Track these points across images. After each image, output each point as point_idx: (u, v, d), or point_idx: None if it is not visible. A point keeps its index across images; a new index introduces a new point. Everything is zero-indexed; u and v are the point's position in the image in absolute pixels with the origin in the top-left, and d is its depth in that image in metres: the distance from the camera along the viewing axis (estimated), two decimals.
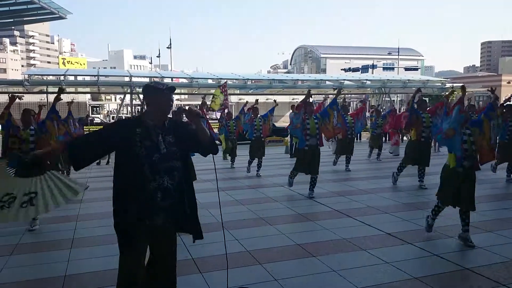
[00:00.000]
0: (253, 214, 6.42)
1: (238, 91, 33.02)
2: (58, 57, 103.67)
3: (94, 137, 2.95)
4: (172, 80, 30.64)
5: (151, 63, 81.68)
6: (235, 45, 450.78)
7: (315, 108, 8.59)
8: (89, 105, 40.29)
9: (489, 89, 7.66)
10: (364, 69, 53.24)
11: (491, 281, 3.87)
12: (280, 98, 38.97)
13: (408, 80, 31.80)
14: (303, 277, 4.06)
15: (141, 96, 31.41)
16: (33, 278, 4.17)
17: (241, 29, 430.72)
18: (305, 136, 7.51)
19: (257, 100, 11.50)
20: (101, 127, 3.15)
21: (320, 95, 51.76)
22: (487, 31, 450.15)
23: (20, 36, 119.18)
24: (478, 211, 6.33)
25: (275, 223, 5.89)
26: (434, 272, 4.12)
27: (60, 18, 23.15)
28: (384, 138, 13.72)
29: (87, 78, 32.45)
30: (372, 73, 49.91)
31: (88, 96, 39.43)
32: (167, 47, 56.12)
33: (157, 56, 65.70)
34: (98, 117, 37.92)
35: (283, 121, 31.68)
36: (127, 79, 27.21)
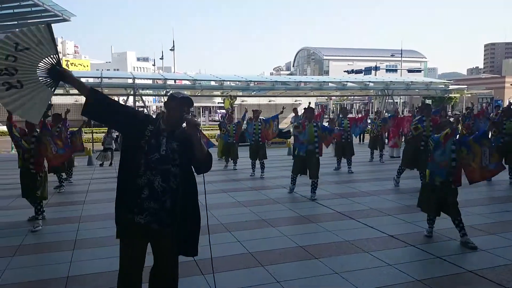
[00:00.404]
0: (255, 216, 6.42)
1: (240, 93, 33.02)
2: (61, 59, 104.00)
3: (119, 104, 3.05)
4: (175, 82, 30.67)
5: (154, 65, 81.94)
6: (238, 47, 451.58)
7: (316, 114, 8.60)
8: None
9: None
10: (367, 71, 53.25)
11: (494, 284, 3.85)
12: (282, 100, 39.03)
13: (411, 82, 31.71)
14: (305, 279, 4.05)
15: (144, 98, 31.55)
16: (35, 279, 4.17)
17: (243, 31, 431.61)
18: (303, 142, 7.61)
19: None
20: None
21: (323, 97, 51.81)
22: (490, 32, 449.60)
23: None
24: (481, 214, 6.33)
25: (277, 225, 5.88)
26: (437, 275, 4.11)
27: (64, 20, 23.21)
28: (385, 140, 13.71)
29: (91, 80, 32.52)
30: (375, 75, 49.85)
31: None
32: (170, 49, 56.34)
33: (160, 58, 65.96)
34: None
35: (285, 123, 31.65)
36: (130, 81, 27.27)
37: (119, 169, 2.89)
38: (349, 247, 4.94)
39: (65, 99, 35.59)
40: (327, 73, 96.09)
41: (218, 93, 30.03)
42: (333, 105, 57.98)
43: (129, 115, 2.90)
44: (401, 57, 61.61)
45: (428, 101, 50.67)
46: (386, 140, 13.77)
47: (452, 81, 40.74)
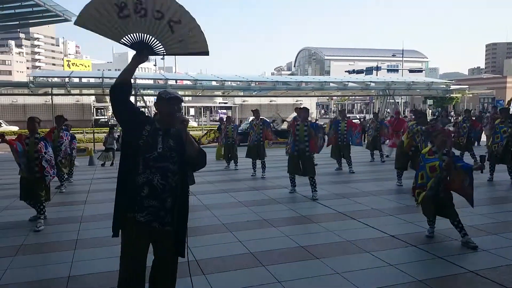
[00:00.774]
0: (256, 216, 6.41)
1: (242, 93, 33.02)
2: (63, 59, 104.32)
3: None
4: (176, 82, 30.71)
5: (155, 65, 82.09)
6: (239, 47, 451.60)
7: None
8: (94, 106, 40.42)
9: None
10: (368, 71, 53.20)
11: (495, 284, 3.84)
12: (284, 100, 39.05)
13: (413, 82, 31.66)
14: (306, 279, 4.05)
15: (146, 98, 31.58)
16: (36, 279, 4.18)
17: (245, 31, 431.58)
18: (294, 141, 7.73)
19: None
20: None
21: (324, 97, 51.77)
22: (492, 32, 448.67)
23: (25, 39, 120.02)
24: (482, 214, 6.32)
25: (278, 225, 5.88)
26: (438, 275, 4.10)
27: (65, 20, 23.19)
28: (382, 140, 13.72)
29: (92, 80, 32.63)
30: (377, 75, 49.78)
31: (93, 98, 39.54)
32: None
33: (161, 58, 66.00)
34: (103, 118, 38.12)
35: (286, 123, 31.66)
36: (131, 81, 27.29)
37: (119, 168, 2.91)
38: (350, 247, 4.93)
39: (67, 99, 35.73)
40: (328, 73, 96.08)
41: (219, 93, 30.09)
42: (334, 105, 57.99)
43: (135, 111, 2.95)
44: (402, 57, 61.59)
45: (430, 101, 50.68)
46: (383, 139, 13.76)
47: (453, 81, 40.63)
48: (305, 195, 7.89)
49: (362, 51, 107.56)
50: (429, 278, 4.00)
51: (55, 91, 27.19)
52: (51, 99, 27.79)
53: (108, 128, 15.10)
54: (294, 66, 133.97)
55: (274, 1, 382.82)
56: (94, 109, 40.47)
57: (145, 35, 2.89)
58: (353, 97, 65.07)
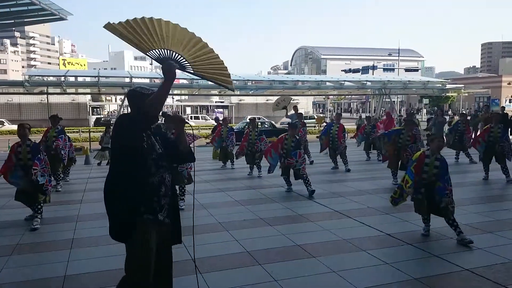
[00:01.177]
0: (252, 215, 6.42)
1: (238, 92, 33.00)
2: (58, 58, 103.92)
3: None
4: None
5: (151, 64, 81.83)
6: (235, 46, 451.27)
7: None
8: (90, 106, 40.29)
9: None
10: (365, 70, 53.31)
11: (490, 282, 3.87)
12: None
13: (409, 81, 31.77)
14: (303, 277, 4.06)
15: None
16: (32, 279, 4.16)
17: (241, 30, 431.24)
18: (281, 156, 8.14)
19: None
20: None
21: (321, 96, 51.79)
22: (487, 32, 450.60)
23: (20, 37, 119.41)
24: (477, 212, 6.35)
25: (274, 224, 5.89)
26: (434, 273, 4.13)
27: (61, 19, 23.10)
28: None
29: (88, 79, 32.48)
30: (373, 74, 49.95)
31: (89, 97, 39.44)
32: None
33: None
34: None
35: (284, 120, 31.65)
36: (127, 80, 27.23)
37: (121, 170, 2.77)
38: (346, 246, 4.95)
39: (62, 98, 35.60)
40: (324, 72, 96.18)
41: (215, 92, 30.05)
42: (331, 104, 57.99)
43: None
44: (399, 56, 61.76)
45: (426, 100, 50.82)
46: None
47: (449, 80, 40.79)
48: (301, 194, 7.90)
49: (359, 50, 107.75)
50: (424, 276, 4.02)
51: (50, 90, 27.10)
52: (47, 98, 27.69)
53: (104, 127, 15.04)
54: (291, 65, 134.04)
55: (270, 1, 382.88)
56: (90, 108, 40.31)
57: (176, 54, 2.82)
58: (350, 96, 65.21)
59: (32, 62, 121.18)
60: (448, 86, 33.92)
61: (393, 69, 64.14)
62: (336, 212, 6.55)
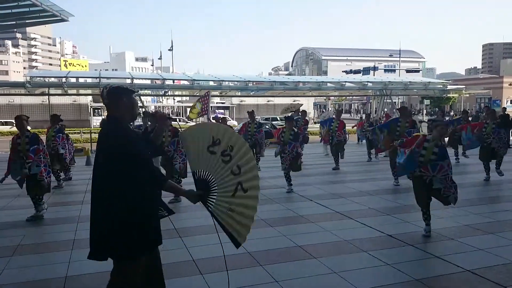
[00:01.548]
0: None
1: (239, 93, 33.03)
2: (60, 59, 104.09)
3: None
4: (173, 82, 30.72)
5: (152, 65, 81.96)
6: (237, 47, 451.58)
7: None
8: (91, 107, 40.29)
9: None
10: (366, 71, 53.26)
11: (492, 283, 3.86)
12: (281, 100, 39.06)
13: (410, 82, 31.77)
14: (304, 278, 4.06)
15: (143, 98, 31.51)
16: (34, 279, 4.17)
17: (242, 31, 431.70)
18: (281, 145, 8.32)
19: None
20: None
21: (322, 97, 51.78)
22: (488, 33, 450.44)
23: (22, 39, 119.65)
24: (479, 213, 6.34)
25: (275, 225, 5.89)
26: (435, 274, 4.12)
27: (62, 20, 23.16)
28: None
29: (89, 80, 32.57)
30: (374, 75, 49.90)
31: (90, 98, 39.44)
32: (169, 49, 56.38)
33: (158, 58, 66.00)
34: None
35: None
36: (128, 81, 27.29)
37: (134, 196, 2.60)
38: (348, 247, 4.95)
39: (63, 99, 35.65)
40: (325, 73, 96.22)
41: (216, 93, 30.06)
42: (332, 105, 58.02)
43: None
44: (400, 57, 61.70)
45: (427, 101, 50.79)
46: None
47: (450, 81, 40.83)
48: (302, 194, 7.90)
49: (359, 51, 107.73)
50: (426, 277, 4.02)
51: (52, 91, 27.16)
52: (48, 99, 27.72)
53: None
54: (292, 66, 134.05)
55: (271, 1, 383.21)
56: (91, 109, 40.34)
57: (214, 181, 2.83)
58: (350, 97, 65.20)
59: (34, 63, 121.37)
60: (449, 87, 33.92)
61: (394, 70, 64.12)
62: (337, 213, 6.55)
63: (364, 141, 13.69)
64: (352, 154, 14.45)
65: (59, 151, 8.77)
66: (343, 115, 22.03)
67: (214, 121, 13.67)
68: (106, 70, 73.26)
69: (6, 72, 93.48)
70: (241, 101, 42.84)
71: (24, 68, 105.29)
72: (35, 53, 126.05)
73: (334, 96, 45.43)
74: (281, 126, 8.68)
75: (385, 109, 31.98)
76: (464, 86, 38.92)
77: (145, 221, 2.63)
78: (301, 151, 8.63)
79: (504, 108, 21.03)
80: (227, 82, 28.88)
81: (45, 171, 6.18)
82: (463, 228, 5.57)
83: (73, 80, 28.77)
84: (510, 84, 58.83)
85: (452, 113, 50.41)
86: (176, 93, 33.85)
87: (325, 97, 49.99)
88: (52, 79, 28.37)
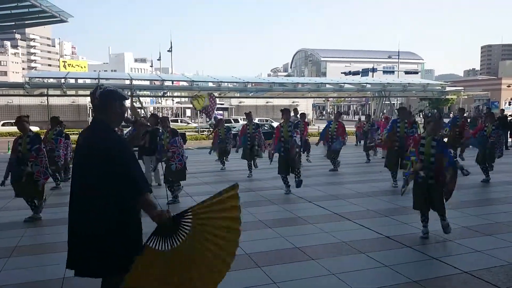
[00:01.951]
0: (252, 217, 6.41)
1: (238, 94, 33.04)
2: (59, 60, 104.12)
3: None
4: (172, 83, 30.70)
5: (151, 66, 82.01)
6: (236, 48, 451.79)
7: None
8: (90, 108, 40.27)
9: None
10: (364, 72, 53.40)
11: (490, 285, 3.86)
12: (280, 101, 39.10)
13: (408, 83, 31.83)
14: (302, 280, 4.06)
15: (142, 99, 31.47)
16: (31, 281, 4.16)
17: (241, 32, 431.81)
18: (280, 141, 8.15)
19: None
20: None
21: (320, 98, 51.83)
22: (487, 34, 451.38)
23: (21, 39, 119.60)
24: (476, 215, 6.35)
25: (273, 226, 5.89)
26: (433, 276, 4.12)
27: (61, 21, 23.19)
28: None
29: (88, 81, 32.53)
30: (372, 76, 50.02)
31: (89, 98, 39.44)
32: (168, 50, 56.37)
33: (157, 59, 65.96)
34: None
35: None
36: (127, 82, 27.27)
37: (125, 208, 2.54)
38: (346, 248, 4.95)
39: (62, 100, 35.63)
40: (324, 74, 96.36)
41: (215, 94, 30.07)
42: (330, 107, 58.09)
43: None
44: (398, 58, 61.86)
45: (425, 103, 50.85)
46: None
47: (449, 83, 40.92)
48: (301, 196, 7.90)
49: (358, 52, 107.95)
50: (423, 279, 4.01)
51: (51, 92, 27.12)
52: (47, 100, 27.68)
53: None
54: (291, 68, 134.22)
55: (270, 2, 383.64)
56: (90, 110, 40.30)
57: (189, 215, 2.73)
58: (349, 99, 65.25)
59: (33, 64, 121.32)
60: (447, 88, 34.00)
61: (392, 72, 64.31)
62: (336, 214, 6.55)
63: (362, 142, 13.74)
64: (351, 155, 14.46)
65: (54, 153, 8.76)
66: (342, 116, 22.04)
67: (214, 122, 13.69)
68: (105, 71, 73.27)
69: (5, 73, 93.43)
70: (240, 102, 42.89)
71: (23, 68, 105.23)
72: (34, 53, 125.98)
73: (333, 97, 45.47)
74: (278, 125, 8.60)
75: (384, 111, 32.04)
76: (462, 88, 38.95)
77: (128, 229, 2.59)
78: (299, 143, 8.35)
79: (502, 110, 21.08)
80: (226, 83, 28.88)
81: (42, 172, 6.18)
82: (461, 229, 5.57)
83: (72, 81, 28.76)
84: (508, 86, 58.96)
85: (451, 114, 50.46)
86: (175, 94, 33.87)
87: (324, 99, 50.07)
88: (51, 80, 28.37)
